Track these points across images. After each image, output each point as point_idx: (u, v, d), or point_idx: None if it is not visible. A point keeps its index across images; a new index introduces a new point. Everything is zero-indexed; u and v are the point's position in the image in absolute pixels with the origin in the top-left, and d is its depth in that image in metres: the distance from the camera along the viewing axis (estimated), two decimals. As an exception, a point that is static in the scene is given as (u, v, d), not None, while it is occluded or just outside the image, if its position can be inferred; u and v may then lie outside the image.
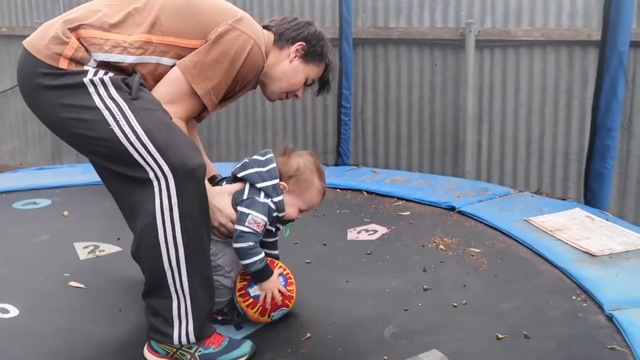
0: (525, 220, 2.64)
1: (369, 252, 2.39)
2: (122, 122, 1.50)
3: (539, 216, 2.68)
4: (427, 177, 3.40)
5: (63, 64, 1.52)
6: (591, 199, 2.97)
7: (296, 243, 2.40)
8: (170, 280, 1.54)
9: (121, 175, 1.55)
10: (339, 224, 2.71)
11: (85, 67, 1.54)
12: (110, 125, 1.50)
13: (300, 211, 1.81)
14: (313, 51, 1.85)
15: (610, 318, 1.81)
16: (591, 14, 3.33)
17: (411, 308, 1.91)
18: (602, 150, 2.91)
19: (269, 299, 1.75)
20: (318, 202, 1.84)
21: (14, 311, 1.89)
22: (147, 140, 1.49)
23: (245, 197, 1.71)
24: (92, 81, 1.52)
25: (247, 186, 1.73)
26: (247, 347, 1.65)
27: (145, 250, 1.54)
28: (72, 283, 2.10)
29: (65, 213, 2.87)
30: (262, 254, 1.70)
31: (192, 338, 1.58)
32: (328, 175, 3.59)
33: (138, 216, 1.54)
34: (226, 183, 1.83)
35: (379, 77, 3.87)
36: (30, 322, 1.85)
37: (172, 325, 1.57)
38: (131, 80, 1.56)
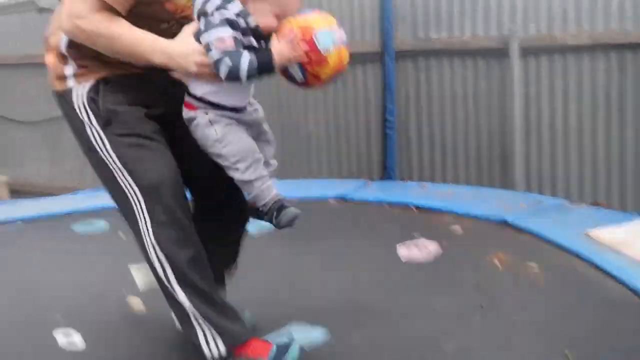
0: (583, 233, 2.55)
1: (421, 269, 2.36)
2: (104, 150, 1.59)
3: (597, 229, 2.59)
4: (476, 190, 3.35)
5: (56, 86, 1.64)
6: (653, 209, 2.86)
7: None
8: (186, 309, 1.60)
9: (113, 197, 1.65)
10: (389, 240, 2.68)
11: (66, 74, 1.60)
12: (98, 152, 1.60)
13: (277, 18, 1.52)
14: None
15: (683, 339, 1.73)
16: (641, 15, 3.22)
17: (467, 328, 1.88)
18: (661, 157, 2.81)
19: (299, 59, 1.50)
20: (294, 3, 1.53)
21: (81, 343, 1.93)
22: (120, 164, 1.58)
23: (202, 27, 1.50)
24: (79, 108, 1.60)
25: (202, 18, 1.52)
26: (295, 350, 1.65)
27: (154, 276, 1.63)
28: (131, 307, 2.16)
29: (121, 234, 2.95)
30: (246, 56, 1.47)
31: (223, 351, 1.59)
32: (374, 191, 3.51)
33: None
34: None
35: (422, 89, 3.84)
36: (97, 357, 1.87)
37: (202, 350, 1.61)
38: (97, 97, 1.59)
